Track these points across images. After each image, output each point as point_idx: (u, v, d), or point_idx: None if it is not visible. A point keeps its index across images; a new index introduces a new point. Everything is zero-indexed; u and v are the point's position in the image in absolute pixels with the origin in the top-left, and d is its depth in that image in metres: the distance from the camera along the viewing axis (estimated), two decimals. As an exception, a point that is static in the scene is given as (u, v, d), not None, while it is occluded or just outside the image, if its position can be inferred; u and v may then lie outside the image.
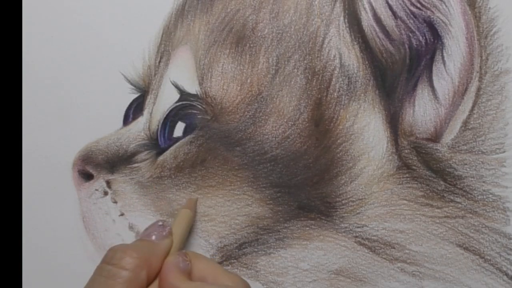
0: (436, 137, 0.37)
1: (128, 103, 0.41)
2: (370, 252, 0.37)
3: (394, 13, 0.38)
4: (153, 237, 0.34)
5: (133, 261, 0.31)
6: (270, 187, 0.38)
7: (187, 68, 0.40)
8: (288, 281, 0.38)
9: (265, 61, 0.39)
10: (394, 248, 0.37)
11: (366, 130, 0.38)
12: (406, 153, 0.37)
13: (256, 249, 0.38)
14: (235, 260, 0.39)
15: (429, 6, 0.37)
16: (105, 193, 0.40)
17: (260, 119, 0.38)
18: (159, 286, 0.32)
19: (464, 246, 0.37)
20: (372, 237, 0.37)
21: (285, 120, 0.38)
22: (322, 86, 0.38)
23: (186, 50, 0.40)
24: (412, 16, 0.38)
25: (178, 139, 0.39)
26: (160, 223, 0.35)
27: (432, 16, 0.37)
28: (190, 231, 0.38)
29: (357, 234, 0.38)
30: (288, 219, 0.38)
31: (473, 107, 0.37)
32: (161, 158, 0.39)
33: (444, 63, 0.37)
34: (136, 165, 0.40)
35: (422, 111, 0.38)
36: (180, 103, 0.39)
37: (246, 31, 0.39)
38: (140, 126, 0.40)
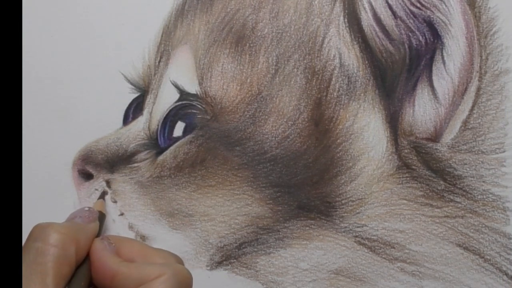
0: (436, 137, 0.37)
1: (128, 102, 0.41)
2: (370, 252, 0.37)
3: (394, 13, 0.38)
4: (80, 220, 0.33)
5: (61, 238, 0.30)
6: (270, 187, 0.38)
7: (187, 67, 0.40)
8: (288, 281, 0.38)
9: (265, 60, 0.38)
10: (394, 248, 0.37)
11: (366, 130, 0.37)
12: (406, 152, 0.37)
13: (256, 249, 0.38)
14: (235, 260, 0.39)
15: (429, 6, 0.37)
16: (105, 193, 0.40)
17: (260, 118, 0.38)
18: (92, 267, 0.31)
19: (464, 246, 0.37)
20: (372, 237, 0.37)
21: (285, 120, 0.38)
22: (322, 86, 0.38)
23: (186, 49, 0.40)
24: (412, 16, 0.38)
25: (178, 138, 0.39)
26: (87, 208, 0.34)
27: (432, 16, 0.37)
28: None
29: (357, 234, 0.37)
30: (288, 219, 0.38)
31: (473, 107, 0.37)
32: (161, 157, 0.39)
33: (444, 63, 0.37)
34: (136, 164, 0.40)
35: (422, 111, 0.38)
36: (180, 102, 0.39)
37: (246, 31, 0.39)
38: (140, 126, 0.40)
